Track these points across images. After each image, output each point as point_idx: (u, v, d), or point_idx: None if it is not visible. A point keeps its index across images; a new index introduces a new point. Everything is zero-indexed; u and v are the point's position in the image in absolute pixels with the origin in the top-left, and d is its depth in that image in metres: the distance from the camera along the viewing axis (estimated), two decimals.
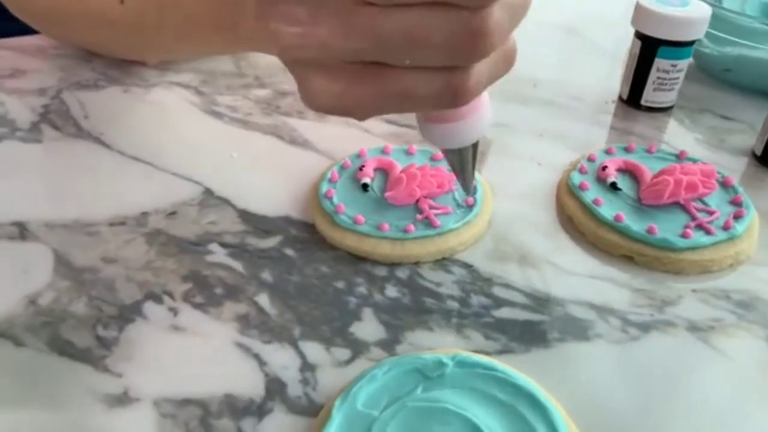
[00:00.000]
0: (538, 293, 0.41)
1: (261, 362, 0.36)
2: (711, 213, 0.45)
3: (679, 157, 0.51)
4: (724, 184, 0.47)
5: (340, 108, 0.27)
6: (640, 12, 0.57)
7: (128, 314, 0.39)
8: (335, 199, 0.45)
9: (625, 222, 0.44)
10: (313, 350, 0.37)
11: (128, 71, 0.64)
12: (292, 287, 0.41)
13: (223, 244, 0.44)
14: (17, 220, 0.46)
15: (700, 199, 0.46)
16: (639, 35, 0.58)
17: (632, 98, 0.60)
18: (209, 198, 0.48)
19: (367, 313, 0.39)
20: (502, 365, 0.34)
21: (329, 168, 0.49)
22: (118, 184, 0.50)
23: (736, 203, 0.46)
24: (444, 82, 0.25)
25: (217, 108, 0.59)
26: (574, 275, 0.42)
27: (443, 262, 0.43)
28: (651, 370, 0.36)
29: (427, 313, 0.39)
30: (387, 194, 0.45)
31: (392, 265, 0.43)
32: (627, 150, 0.51)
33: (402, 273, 0.42)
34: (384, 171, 0.48)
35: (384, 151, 0.50)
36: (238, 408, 0.34)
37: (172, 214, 0.47)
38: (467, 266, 0.43)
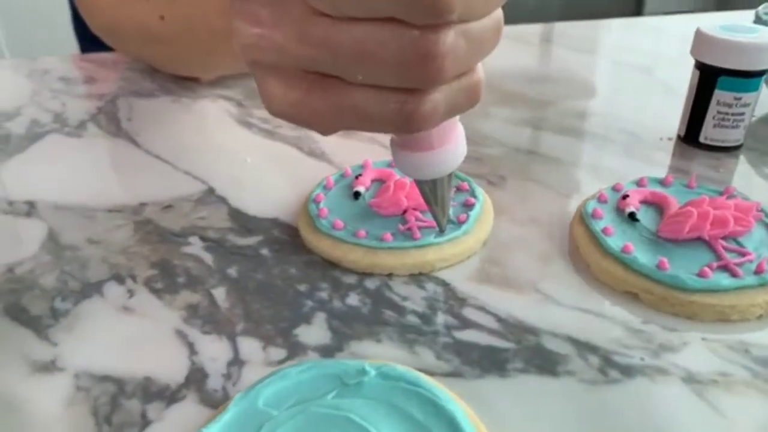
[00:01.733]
0: (511, 319, 0.36)
1: (192, 351, 0.35)
2: (744, 254, 0.38)
3: (724, 194, 0.44)
4: None
5: (296, 117, 0.26)
6: (699, 39, 0.52)
7: (88, 291, 0.39)
8: (322, 204, 0.44)
9: (633, 254, 0.38)
10: (249, 347, 0.35)
11: (184, 85, 0.67)
12: (253, 284, 0.39)
13: (203, 238, 0.43)
14: (30, 199, 0.48)
15: (735, 239, 0.39)
16: (698, 65, 0.52)
17: (690, 135, 0.54)
18: (208, 196, 0.48)
19: (319, 317, 0.37)
20: (438, 385, 0.30)
21: (329, 176, 0.47)
22: (133, 178, 0.51)
23: None
24: (397, 103, 0.24)
25: (251, 119, 0.60)
26: (561, 306, 0.37)
27: (419, 277, 0.40)
28: (622, 419, 0.30)
29: (382, 325, 0.36)
30: (371, 201, 0.42)
31: (364, 274, 0.40)
32: (662, 183, 0.46)
33: (371, 283, 0.39)
34: (382, 182, 0.46)
35: (391, 165, 0.48)
36: (151, 391, 0.32)
37: (168, 207, 0.47)
38: (444, 284, 0.39)
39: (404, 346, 0.35)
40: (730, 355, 0.34)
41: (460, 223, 0.42)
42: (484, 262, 0.41)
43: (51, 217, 0.46)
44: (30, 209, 0.47)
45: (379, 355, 0.34)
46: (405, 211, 0.42)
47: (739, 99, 0.51)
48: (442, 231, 0.35)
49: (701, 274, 0.36)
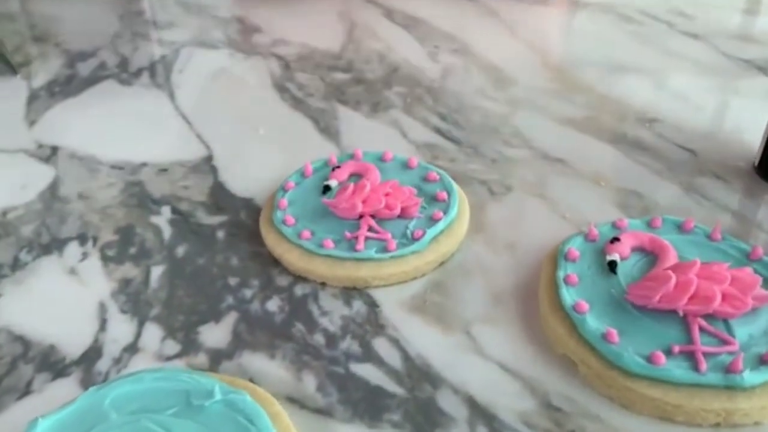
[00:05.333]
0: (419, 361, 0.33)
1: (101, 328, 0.36)
2: (725, 342, 0.31)
3: (750, 257, 0.35)
4: None
5: None
6: None
7: (53, 247, 0.41)
8: (289, 194, 0.42)
9: (585, 315, 0.32)
10: (151, 335, 0.35)
11: (250, 39, 0.67)
12: (191, 268, 0.39)
13: (175, 209, 0.44)
14: (56, 144, 0.51)
15: (725, 320, 0.32)
16: None
17: (764, 167, 0.44)
18: (204, 164, 0.48)
19: (230, 318, 0.36)
20: (277, 426, 0.28)
21: (315, 161, 0.45)
22: (151, 135, 0.53)
23: None
24: None
25: (288, 84, 0.59)
26: (481, 358, 0.33)
27: (351, 292, 0.37)
28: None
29: (285, 339, 0.34)
30: (325, 201, 0.40)
31: (300, 277, 0.38)
32: (681, 228, 0.38)
33: (301, 289, 0.37)
34: (359, 177, 0.43)
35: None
36: (48, 361, 0.34)
37: (163, 170, 0.48)
38: (372, 304, 0.36)
39: (293, 368, 0.33)
40: None
41: (413, 239, 0.38)
42: (428, 287, 0.37)
43: (63, 166, 0.49)
44: (51, 155, 0.50)
45: (264, 372, 0.33)
46: (361, 216, 0.39)
47: None
48: None
49: (651, 359, 0.30)
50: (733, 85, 0.57)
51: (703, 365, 0.30)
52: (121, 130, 0.53)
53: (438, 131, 0.51)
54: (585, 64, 0.60)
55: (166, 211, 0.44)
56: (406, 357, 0.33)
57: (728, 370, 0.29)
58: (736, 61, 0.60)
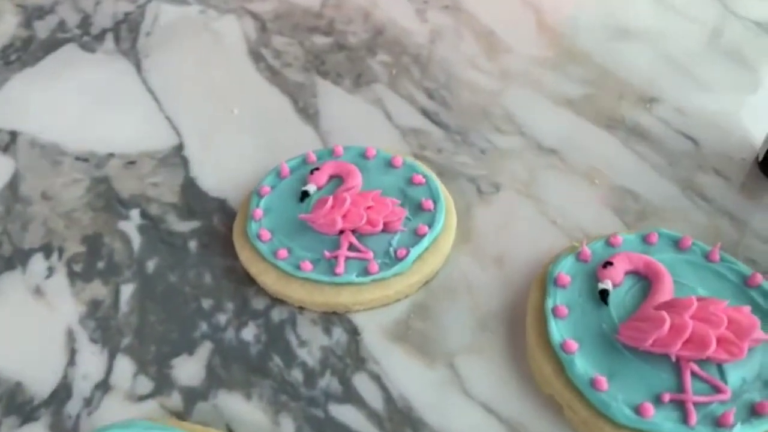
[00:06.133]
0: (401, 402, 0.32)
1: (70, 361, 0.34)
2: (718, 390, 0.30)
3: (747, 282, 0.34)
4: None
5: None
6: None
7: (16, 259, 0.39)
8: (264, 201, 0.39)
9: (574, 356, 0.31)
10: (123, 370, 0.34)
11: None
12: (163, 287, 0.37)
13: (144, 214, 0.41)
14: (15, 129, 0.48)
15: (718, 364, 0.30)
16: None
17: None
18: (174, 155, 0.45)
19: (205, 348, 0.34)
20: None
21: (293, 158, 0.42)
22: (117, 117, 0.49)
23: None
24: None
25: (264, 50, 0.54)
26: (464, 397, 0.32)
27: (331, 317, 0.36)
28: None
29: (262, 376, 0.33)
30: (304, 215, 0.37)
31: (277, 299, 0.36)
32: (677, 245, 0.36)
33: (278, 314, 0.36)
34: (340, 179, 0.40)
35: (333, 152, 0.42)
36: (16, 401, 0.33)
37: (132, 163, 0.45)
38: (353, 332, 0.35)
39: (270, 410, 0.32)
40: None
41: (397, 259, 0.36)
42: (412, 310, 0.36)
43: (24, 156, 0.46)
44: (10, 142, 0.47)
45: (242, 414, 0.32)
46: (342, 232, 0.37)
47: None
48: None
49: (640, 411, 0.29)
50: (745, 56, 0.53)
51: (693, 418, 0.29)
52: (84, 110, 0.50)
53: (425, 113, 0.48)
54: (583, 26, 0.56)
55: (135, 215, 0.41)
56: (387, 397, 0.32)
57: (719, 423, 0.28)
58: (749, 26, 0.55)
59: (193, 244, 0.39)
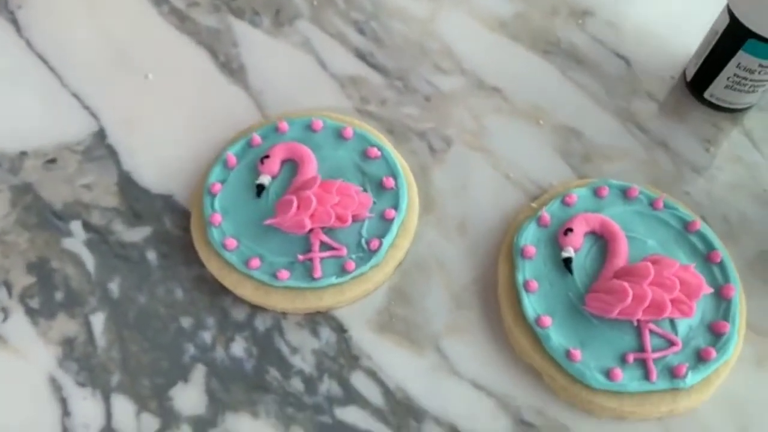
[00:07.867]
0: (399, 394, 0.34)
1: (65, 411, 0.34)
2: (671, 343, 0.34)
3: (688, 228, 0.37)
4: (721, 294, 0.35)
5: None
6: None
7: None
8: (218, 201, 0.38)
9: (549, 330, 0.34)
10: (123, 410, 0.34)
11: None
12: (134, 311, 0.36)
13: (87, 225, 0.39)
14: None
15: (670, 320, 0.35)
16: (730, 13, 0.39)
17: (696, 85, 0.43)
18: (97, 146, 0.41)
19: (199, 372, 0.35)
20: None
21: (232, 143, 0.40)
22: (10, 100, 0.43)
23: (715, 332, 0.35)
24: None
25: None
26: (456, 377, 0.35)
27: (315, 316, 0.37)
28: None
29: (263, 391, 0.34)
30: (268, 222, 0.36)
31: (257, 306, 0.37)
32: (626, 195, 0.38)
33: (262, 322, 0.36)
34: (294, 163, 0.39)
35: (278, 129, 0.40)
36: None
37: (52, 161, 0.41)
38: (341, 330, 0.36)
39: (280, 425, 0.34)
40: None
41: (370, 250, 0.36)
42: (391, 296, 0.37)
43: None
44: None
45: None
46: (311, 230, 0.36)
47: (766, 67, 0.39)
48: None
49: (611, 375, 0.33)
50: None
51: (654, 374, 0.33)
52: None
53: (359, 55, 0.45)
54: None
55: (77, 229, 0.39)
56: (386, 391, 0.35)
57: (673, 375, 0.33)
58: None
59: (152, 256, 0.38)
